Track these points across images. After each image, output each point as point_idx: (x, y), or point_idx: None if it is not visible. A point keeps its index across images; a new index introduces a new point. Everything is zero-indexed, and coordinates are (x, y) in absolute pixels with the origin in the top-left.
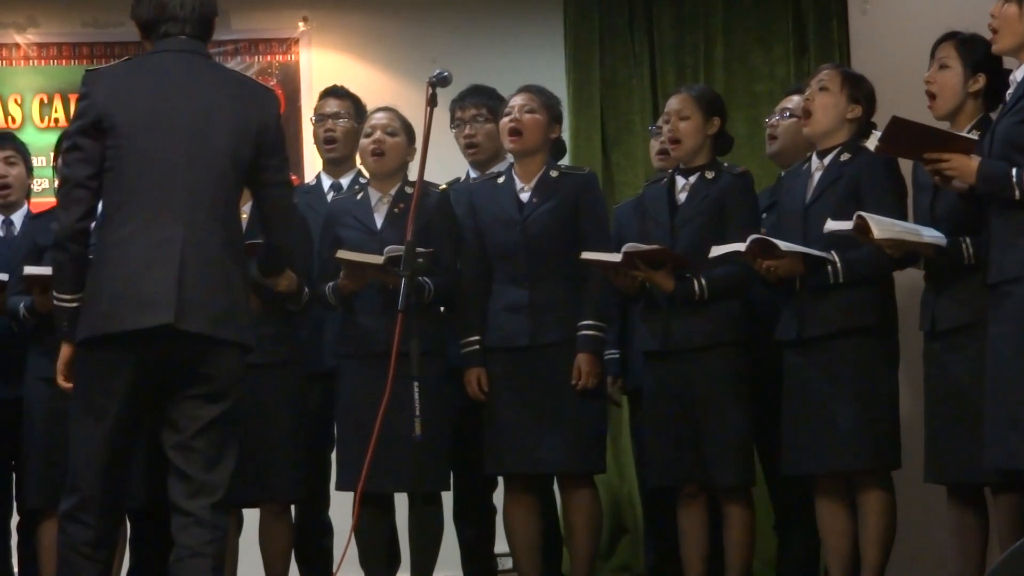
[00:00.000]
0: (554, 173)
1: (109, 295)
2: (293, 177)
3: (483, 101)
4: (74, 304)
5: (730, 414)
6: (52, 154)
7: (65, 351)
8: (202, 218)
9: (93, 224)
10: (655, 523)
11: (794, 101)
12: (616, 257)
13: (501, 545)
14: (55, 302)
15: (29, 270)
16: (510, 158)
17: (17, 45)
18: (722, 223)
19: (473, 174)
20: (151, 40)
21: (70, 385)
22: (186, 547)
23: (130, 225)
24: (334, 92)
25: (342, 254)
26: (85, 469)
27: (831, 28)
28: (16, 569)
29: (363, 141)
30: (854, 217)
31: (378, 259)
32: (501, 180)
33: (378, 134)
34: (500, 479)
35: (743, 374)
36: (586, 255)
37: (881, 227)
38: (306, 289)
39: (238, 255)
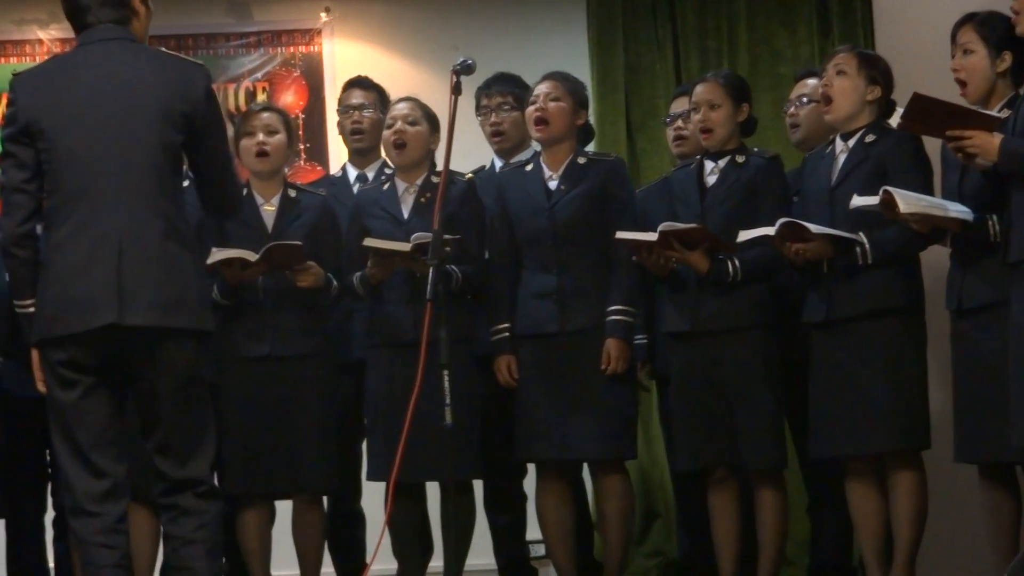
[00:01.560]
0: (582, 160)
1: (52, 299)
2: (318, 168)
3: (509, 89)
4: (30, 309)
5: (760, 397)
6: None
7: (34, 356)
8: (139, 211)
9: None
10: (687, 508)
11: (809, 86)
12: (652, 236)
13: (532, 532)
14: (16, 309)
15: None
16: (535, 146)
17: (40, 41)
18: (752, 207)
19: (498, 162)
20: (79, 34)
21: (45, 389)
22: (177, 537)
23: (67, 227)
24: (359, 83)
25: (369, 242)
26: (71, 467)
27: (854, 7)
28: (52, 566)
29: (385, 132)
30: (880, 192)
31: (405, 246)
32: (529, 168)
33: (399, 124)
34: (530, 466)
35: (773, 356)
36: (621, 234)
37: (907, 202)
38: (334, 283)
39: (185, 240)
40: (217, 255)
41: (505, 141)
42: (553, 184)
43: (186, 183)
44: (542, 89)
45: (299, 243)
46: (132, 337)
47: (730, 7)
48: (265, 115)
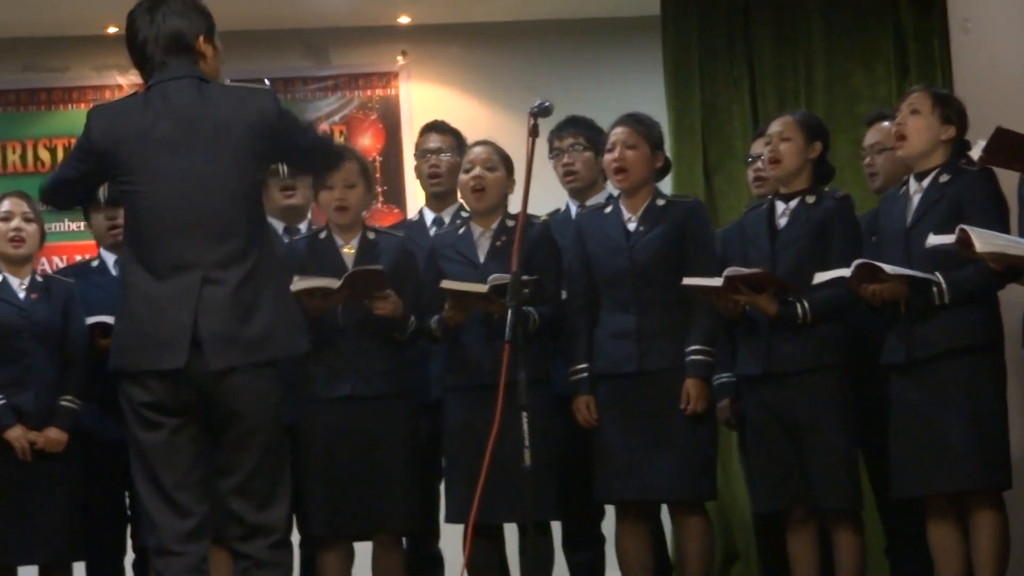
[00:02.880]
0: (660, 202)
1: (126, 331)
2: (396, 211)
3: (580, 131)
4: None
5: (834, 437)
6: None
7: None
8: (219, 256)
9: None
10: (767, 548)
11: (882, 131)
12: (717, 281)
13: (610, 573)
14: None
15: None
16: (609, 186)
17: (120, 86)
18: (823, 248)
19: (572, 204)
20: (145, 76)
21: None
22: None
23: (146, 264)
24: (435, 127)
25: (447, 284)
26: (155, 507)
27: (932, 46)
28: None
29: (462, 177)
30: (956, 230)
31: (482, 288)
32: (608, 210)
33: (477, 170)
34: (608, 508)
35: (846, 397)
36: (687, 280)
37: (983, 240)
38: (412, 317)
39: (267, 275)
40: (299, 284)
41: (577, 181)
42: (632, 226)
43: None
44: (618, 136)
45: (380, 267)
46: (212, 379)
47: (807, 46)
48: (345, 167)
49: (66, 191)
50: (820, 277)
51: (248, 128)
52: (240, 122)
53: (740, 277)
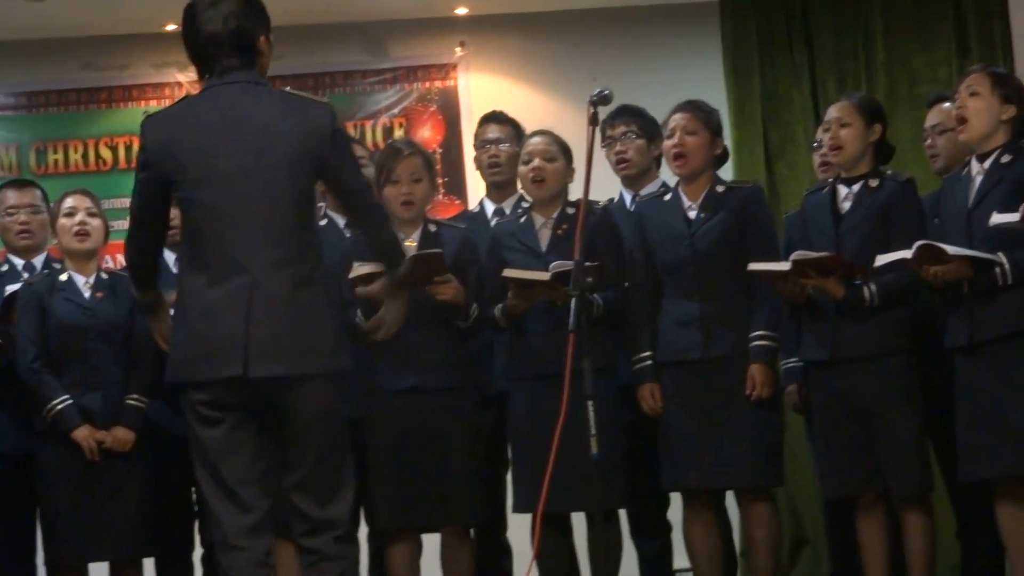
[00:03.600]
0: (720, 188)
1: (183, 342)
2: (457, 202)
3: (632, 119)
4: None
5: (903, 422)
6: None
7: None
8: (270, 260)
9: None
10: (837, 534)
11: (943, 113)
12: (785, 266)
13: (678, 560)
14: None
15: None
16: (662, 175)
17: (179, 84)
18: (887, 231)
19: (626, 193)
20: (202, 75)
21: None
22: None
23: (201, 273)
24: (494, 118)
25: (508, 273)
26: (218, 503)
27: (992, 26)
28: None
29: (522, 168)
30: (1020, 209)
31: (545, 276)
32: (667, 198)
33: (537, 161)
34: (673, 496)
35: (913, 381)
36: (753, 265)
37: None
38: (474, 304)
39: (318, 284)
40: (359, 269)
41: (630, 168)
42: (692, 213)
43: (323, 222)
44: (678, 122)
45: (440, 251)
46: (265, 384)
47: (867, 29)
48: (411, 161)
49: (140, 225)
50: (882, 259)
51: (301, 136)
52: (293, 129)
53: (808, 261)
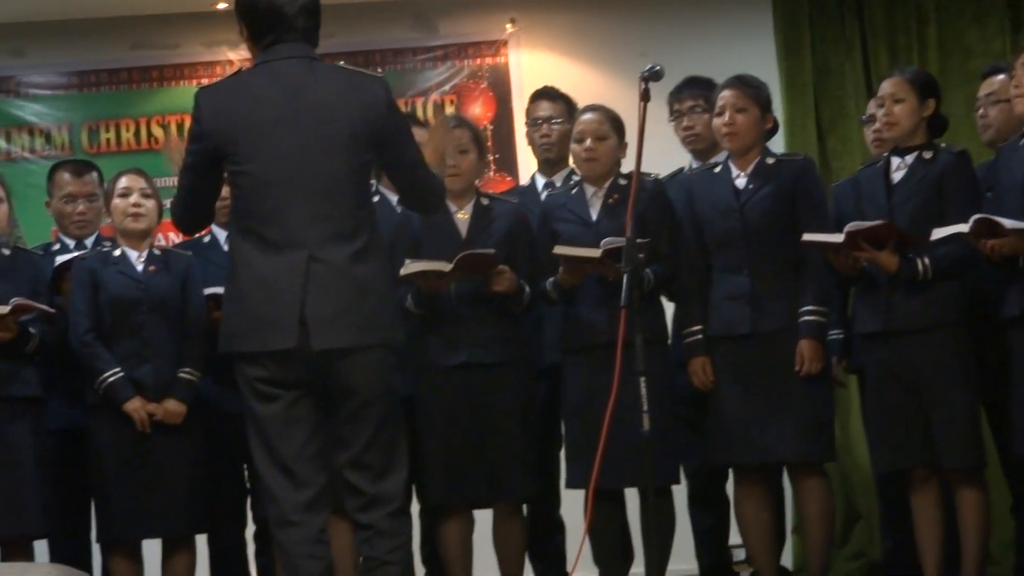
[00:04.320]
0: (770, 160)
1: (236, 313)
2: (508, 178)
3: (700, 92)
4: None
5: (956, 395)
6: None
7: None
8: (326, 234)
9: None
10: (890, 508)
11: (996, 83)
12: (838, 237)
13: (735, 536)
14: None
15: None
16: None
17: (231, 62)
18: (940, 203)
19: (695, 165)
20: (257, 50)
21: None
22: (372, 559)
23: (256, 246)
24: (546, 94)
25: (559, 249)
26: (273, 479)
27: None
28: None
29: (574, 147)
30: None
31: (596, 252)
32: (717, 170)
33: (588, 142)
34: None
35: (967, 354)
36: (807, 236)
37: None
38: (527, 290)
39: (375, 258)
40: (411, 267)
41: (699, 142)
42: (741, 182)
43: (376, 198)
44: (728, 100)
45: (492, 251)
46: (322, 357)
47: (919, 3)
48: (456, 133)
49: (192, 197)
50: (938, 233)
51: (356, 110)
52: (349, 104)
53: (861, 232)
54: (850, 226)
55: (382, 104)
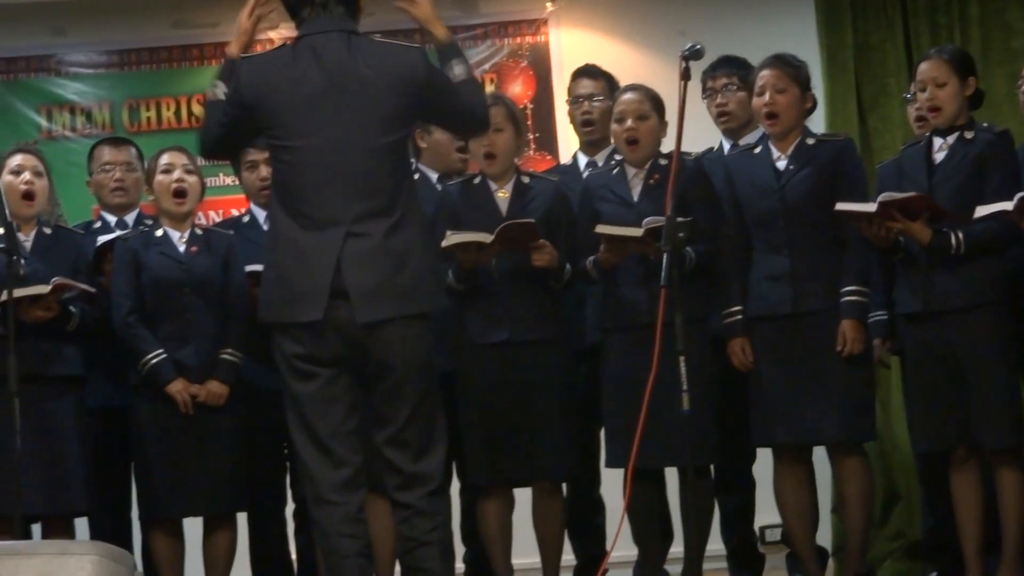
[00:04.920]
0: (810, 140)
1: (272, 282)
2: (548, 157)
3: (733, 70)
4: None
5: (996, 375)
6: None
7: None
8: (364, 210)
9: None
10: (931, 488)
11: None
12: (871, 207)
13: (760, 518)
14: None
15: None
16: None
17: (270, 40)
18: (981, 182)
19: (726, 143)
20: (296, 22)
21: None
22: (411, 539)
23: (293, 218)
24: (588, 72)
25: (602, 228)
26: (311, 457)
27: None
28: (294, 558)
29: (615, 127)
30: None
31: (637, 231)
32: (757, 150)
33: (630, 122)
34: (759, 451)
35: (1007, 333)
36: (840, 205)
37: None
38: (567, 266)
39: (414, 231)
40: (452, 238)
41: (731, 121)
42: (782, 164)
43: (416, 176)
44: (767, 80)
45: (532, 220)
46: (362, 331)
47: None
48: (491, 111)
49: (219, 142)
50: (982, 211)
51: (395, 84)
52: (388, 78)
53: (895, 202)
54: (883, 196)
55: (421, 76)
